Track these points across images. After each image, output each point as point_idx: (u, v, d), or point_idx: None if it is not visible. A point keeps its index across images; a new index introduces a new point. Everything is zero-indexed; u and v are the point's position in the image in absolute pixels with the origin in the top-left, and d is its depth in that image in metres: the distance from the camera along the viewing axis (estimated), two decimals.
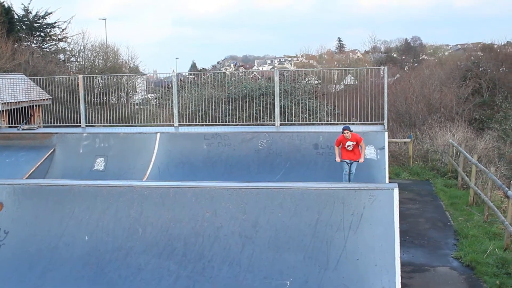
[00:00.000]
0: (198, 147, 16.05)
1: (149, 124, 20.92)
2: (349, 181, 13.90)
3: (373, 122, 17.67)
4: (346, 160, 14.16)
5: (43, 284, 8.41)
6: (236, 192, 8.86)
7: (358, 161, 14.16)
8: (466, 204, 14.92)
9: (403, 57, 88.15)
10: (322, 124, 20.36)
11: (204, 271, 8.04)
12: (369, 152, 15.04)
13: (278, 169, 15.21)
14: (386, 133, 15.72)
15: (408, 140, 21.03)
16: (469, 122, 29.61)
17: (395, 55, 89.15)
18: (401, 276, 7.74)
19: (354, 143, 14.04)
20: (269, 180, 13.68)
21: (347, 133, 14.00)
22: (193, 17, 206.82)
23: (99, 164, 16.59)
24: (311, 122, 20.57)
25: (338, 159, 14.21)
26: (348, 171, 14.16)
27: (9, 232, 9.37)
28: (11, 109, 21.38)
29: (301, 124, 19.48)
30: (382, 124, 17.17)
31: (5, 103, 20.82)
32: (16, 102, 21.41)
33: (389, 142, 17.33)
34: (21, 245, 9.12)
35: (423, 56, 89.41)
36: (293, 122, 19.72)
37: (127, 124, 20.58)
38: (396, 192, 8.27)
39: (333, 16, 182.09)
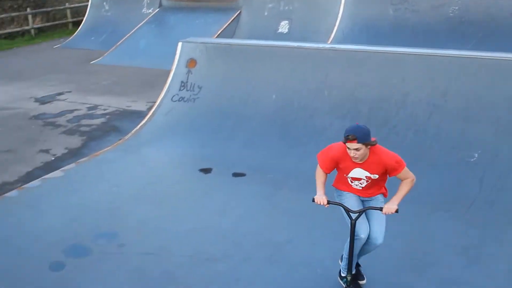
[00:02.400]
0: (384, 12, 15.43)
1: None
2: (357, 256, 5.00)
3: None
4: (350, 197, 4.94)
5: (235, 134, 8.96)
6: (425, 59, 8.50)
7: (382, 205, 4.72)
8: None
9: None
10: None
11: (388, 136, 7.94)
12: None
13: (469, 39, 14.19)
14: None
15: None
16: None
17: None
18: None
19: (376, 176, 4.73)
20: (459, 49, 12.90)
21: (355, 149, 4.48)
22: None
23: (284, 27, 16.76)
24: None
25: (321, 199, 4.76)
26: (353, 226, 4.70)
27: (203, 87, 9.99)
28: None
29: None
30: None
31: None
32: None
33: None
34: (214, 100, 9.72)
35: None
36: None
37: None
38: None
39: None
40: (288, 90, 9.19)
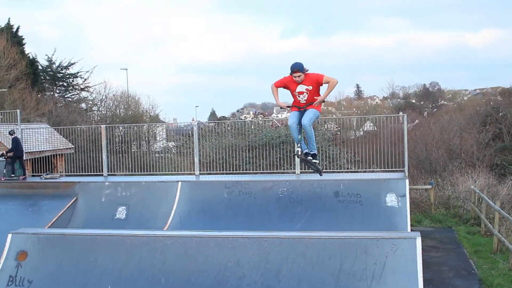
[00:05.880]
0: (219, 195, 16.10)
1: (170, 172, 21.06)
2: (299, 138, 9.40)
3: (393, 169, 17.64)
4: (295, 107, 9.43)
5: None
6: (258, 241, 8.90)
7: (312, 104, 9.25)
8: (490, 252, 14.71)
9: (422, 103, 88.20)
10: (342, 172, 20.33)
11: None
12: (390, 199, 14.97)
13: (299, 218, 15.15)
14: (407, 180, 15.66)
15: (429, 187, 20.89)
16: (490, 168, 29.33)
17: (413, 101, 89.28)
18: None
19: (310, 87, 9.09)
20: (290, 229, 13.65)
21: (298, 76, 8.98)
22: (205, 66, 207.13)
23: (121, 212, 16.70)
24: (331, 170, 20.56)
25: (281, 104, 9.61)
26: (296, 122, 9.30)
27: (33, 282, 9.47)
28: (34, 158, 21.76)
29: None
30: (403, 171, 17.14)
31: (29, 152, 21.20)
32: (39, 151, 21.82)
33: (410, 189, 17.24)
34: None
35: (442, 101, 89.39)
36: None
37: (148, 172, 20.79)
38: (419, 240, 8.25)
39: (349, 61, 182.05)
40: (125, 280, 9.00)
